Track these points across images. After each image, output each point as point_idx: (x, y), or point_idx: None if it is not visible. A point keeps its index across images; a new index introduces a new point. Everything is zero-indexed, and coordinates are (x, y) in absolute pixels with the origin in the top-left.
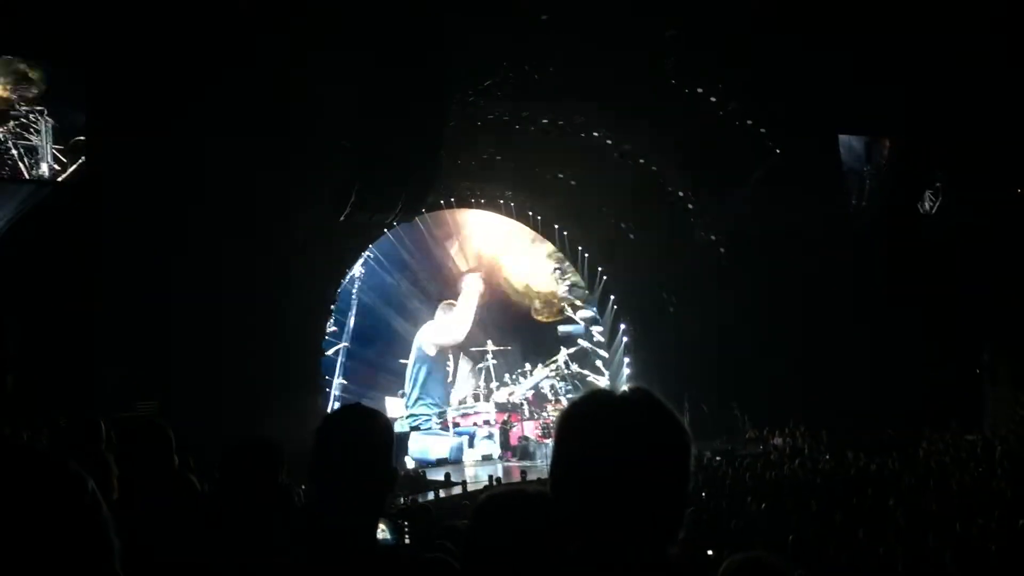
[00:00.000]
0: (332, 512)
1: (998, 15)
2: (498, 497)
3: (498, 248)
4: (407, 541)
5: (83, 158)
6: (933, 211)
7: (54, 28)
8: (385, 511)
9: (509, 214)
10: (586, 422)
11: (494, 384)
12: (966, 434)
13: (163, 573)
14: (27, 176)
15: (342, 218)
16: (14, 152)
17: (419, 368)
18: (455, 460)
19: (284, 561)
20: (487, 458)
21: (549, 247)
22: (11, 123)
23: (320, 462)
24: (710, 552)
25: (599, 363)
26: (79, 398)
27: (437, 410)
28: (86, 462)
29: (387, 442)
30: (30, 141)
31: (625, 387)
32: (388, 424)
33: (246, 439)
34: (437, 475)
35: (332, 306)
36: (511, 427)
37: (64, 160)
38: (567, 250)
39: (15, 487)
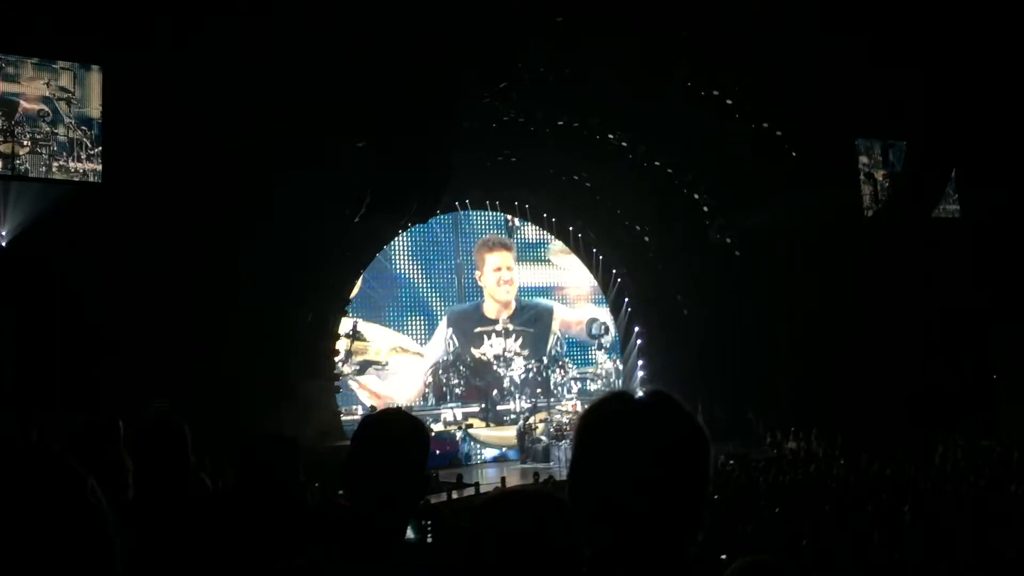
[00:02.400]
0: (365, 513)
1: (1013, 15)
2: (496, 498)
3: None
4: (429, 541)
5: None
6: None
7: (71, 26)
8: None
9: (523, 216)
10: (606, 424)
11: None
12: (981, 439)
13: (173, 573)
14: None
15: (357, 219)
16: (53, 147)
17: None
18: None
19: (311, 561)
20: (500, 459)
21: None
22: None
23: (356, 464)
24: (723, 556)
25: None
26: (94, 395)
27: None
28: (102, 460)
29: (422, 447)
30: (62, 135)
31: (642, 390)
32: (423, 429)
33: (264, 436)
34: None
35: (347, 307)
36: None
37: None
38: (582, 252)
39: (6, 483)
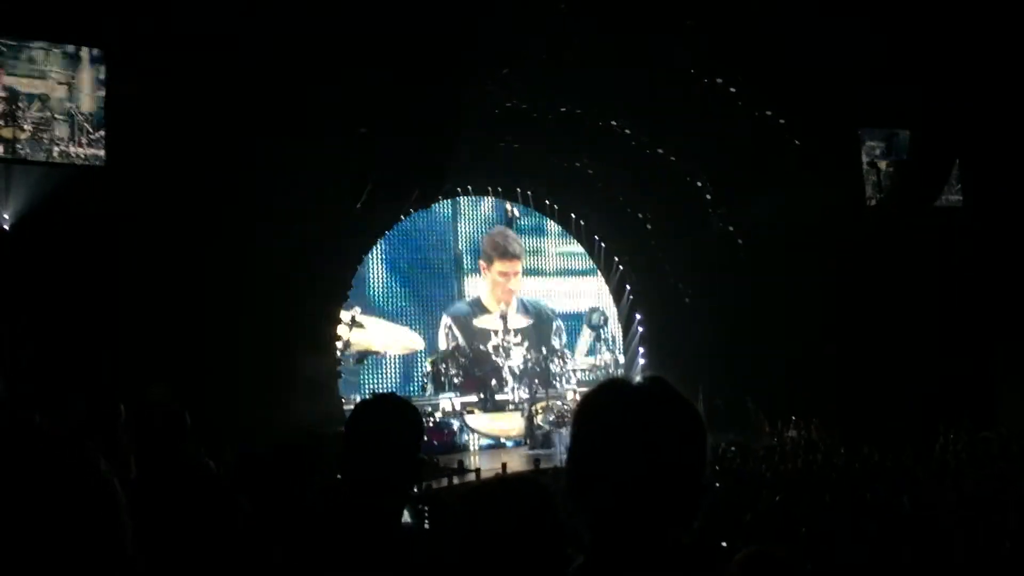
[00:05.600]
0: (360, 497)
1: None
2: (480, 487)
3: None
4: (427, 526)
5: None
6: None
7: (74, 7)
8: (410, 497)
9: (526, 203)
10: (603, 410)
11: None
12: (983, 431)
13: (178, 556)
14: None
15: (359, 205)
16: (56, 132)
17: None
18: None
19: (309, 543)
20: (497, 445)
21: None
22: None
23: (351, 449)
24: (724, 544)
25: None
26: (96, 380)
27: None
28: (104, 443)
29: (416, 432)
30: (62, 120)
31: (639, 377)
32: (417, 414)
33: (280, 445)
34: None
35: (347, 292)
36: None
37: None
38: (584, 239)
39: (26, 467)
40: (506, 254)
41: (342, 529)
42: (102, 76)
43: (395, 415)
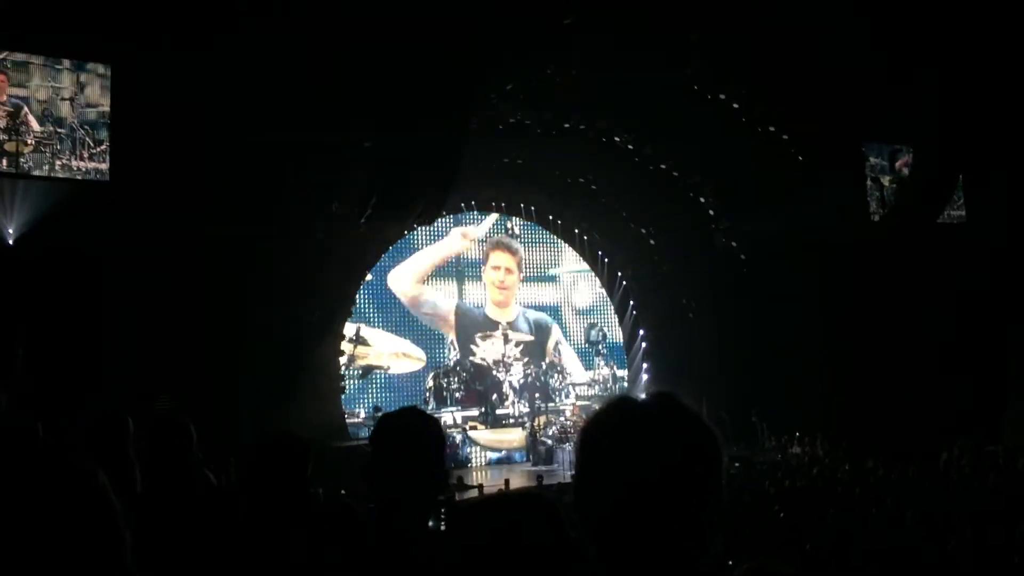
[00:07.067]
0: (388, 510)
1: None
2: (480, 502)
3: None
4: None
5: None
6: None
7: (80, 23)
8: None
9: (529, 218)
10: (613, 428)
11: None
12: (987, 445)
13: (181, 567)
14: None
15: (363, 220)
16: (56, 145)
17: None
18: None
19: (340, 555)
20: (502, 461)
21: None
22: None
23: (377, 463)
24: (730, 561)
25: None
26: (101, 393)
27: None
28: (109, 456)
29: (439, 444)
30: (65, 134)
31: (645, 393)
32: (440, 427)
33: (275, 435)
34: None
35: (352, 307)
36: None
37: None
38: (587, 254)
39: (20, 481)
40: (500, 244)
41: (370, 539)
42: (106, 90)
43: (418, 427)
